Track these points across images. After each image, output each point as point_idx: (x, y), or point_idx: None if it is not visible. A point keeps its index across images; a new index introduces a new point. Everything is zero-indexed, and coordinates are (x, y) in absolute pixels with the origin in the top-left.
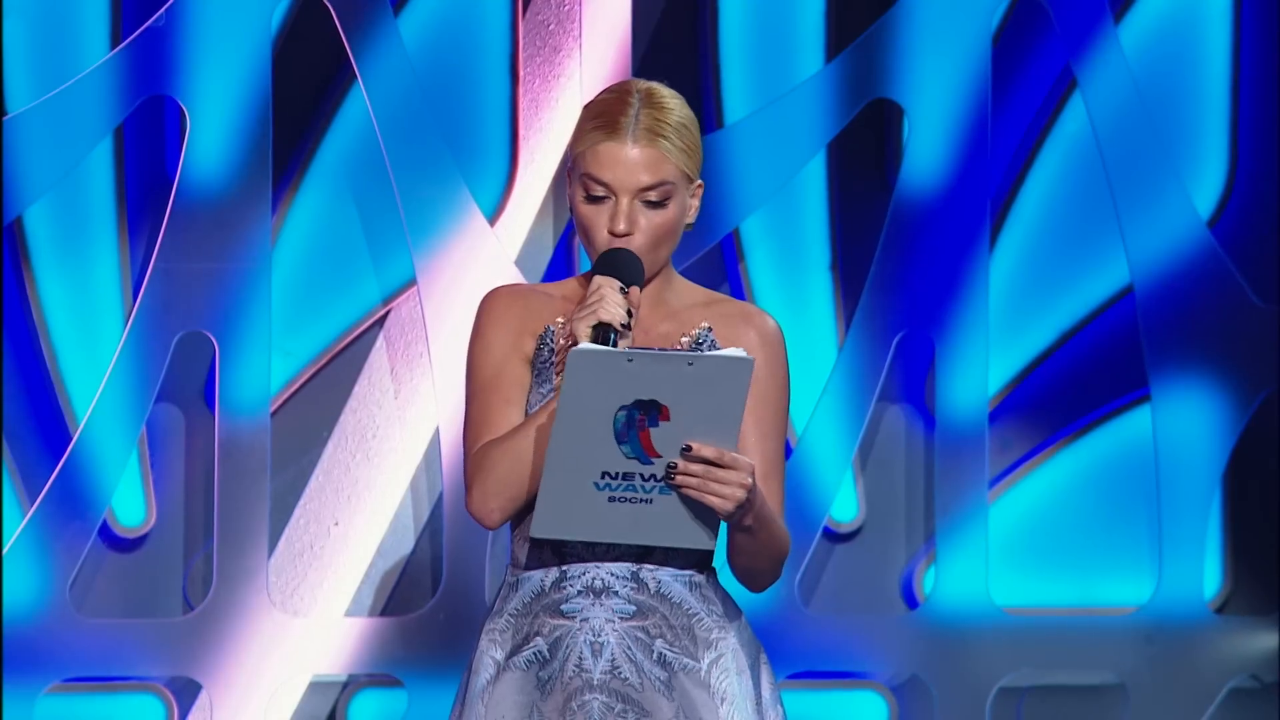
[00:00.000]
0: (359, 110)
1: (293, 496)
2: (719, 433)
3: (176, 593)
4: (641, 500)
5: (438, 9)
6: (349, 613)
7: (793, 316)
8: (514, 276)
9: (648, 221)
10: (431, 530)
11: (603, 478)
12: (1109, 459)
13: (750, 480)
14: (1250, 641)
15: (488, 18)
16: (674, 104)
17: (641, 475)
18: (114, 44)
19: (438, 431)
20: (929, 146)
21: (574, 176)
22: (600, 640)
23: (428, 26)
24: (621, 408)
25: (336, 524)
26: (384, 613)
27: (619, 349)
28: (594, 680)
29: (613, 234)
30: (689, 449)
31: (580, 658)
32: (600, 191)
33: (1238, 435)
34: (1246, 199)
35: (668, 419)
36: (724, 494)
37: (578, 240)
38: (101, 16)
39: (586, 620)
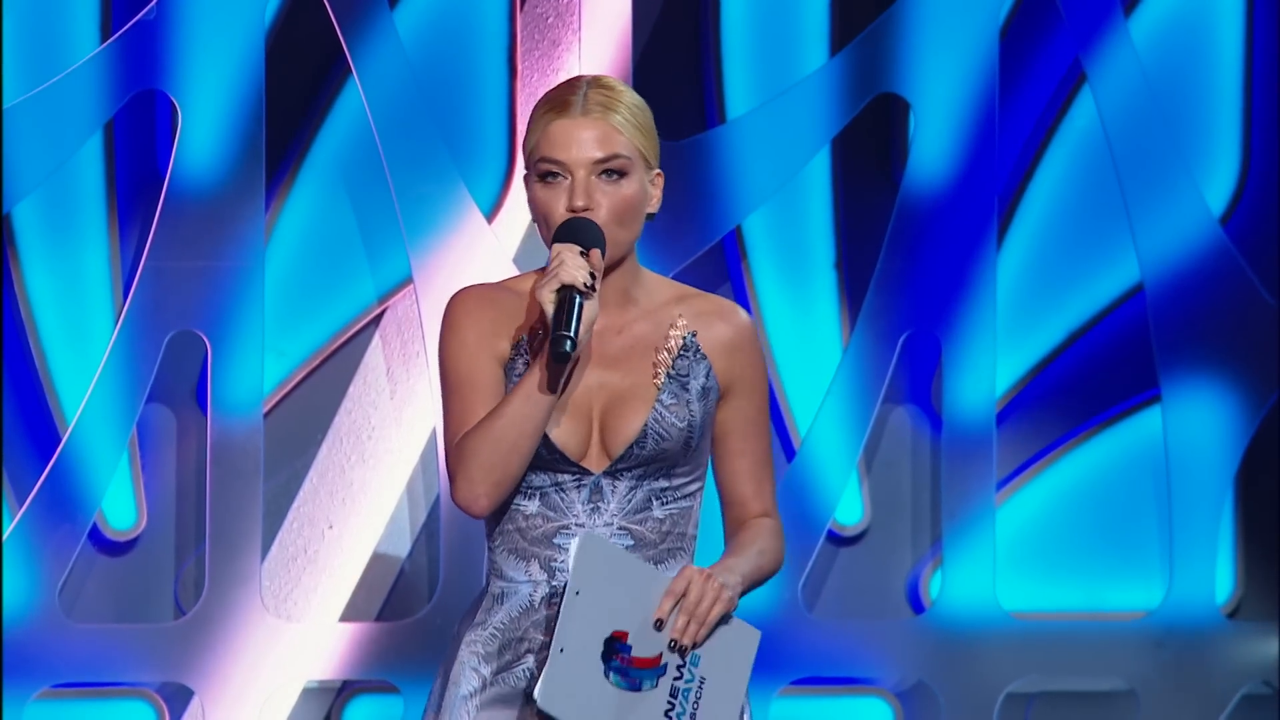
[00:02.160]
0: (354, 105)
1: (286, 499)
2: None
3: (168, 597)
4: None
5: (435, 2)
6: (344, 618)
7: (796, 315)
8: (511, 274)
9: (606, 196)
10: (428, 533)
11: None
12: (1119, 461)
13: (719, 580)
14: (1263, 647)
15: (485, 11)
16: (624, 88)
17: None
18: (104, 37)
19: (434, 433)
20: (935, 142)
21: (530, 169)
22: None
23: (424, 20)
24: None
25: (331, 527)
26: (379, 618)
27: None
28: None
29: (572, 211)
30: (661, 623)
31: None
32: (554, 169)
33: (1250, 436)
34: (1260, 195)
35: (625, 639)
36: (718, 608)
37: None
38: (91, 9)
39: None
